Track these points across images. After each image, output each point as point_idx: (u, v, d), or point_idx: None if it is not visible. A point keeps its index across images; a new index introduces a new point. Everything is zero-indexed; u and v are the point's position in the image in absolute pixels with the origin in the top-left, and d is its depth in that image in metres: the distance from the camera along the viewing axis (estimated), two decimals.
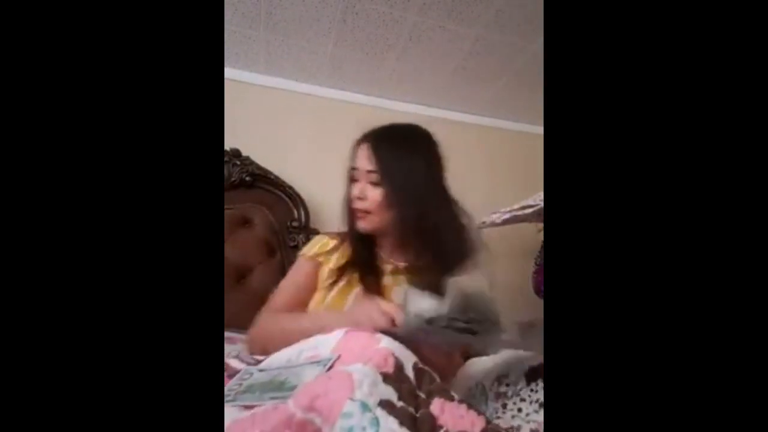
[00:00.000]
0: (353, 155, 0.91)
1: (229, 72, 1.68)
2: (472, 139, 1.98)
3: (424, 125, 1.93)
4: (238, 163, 1.48)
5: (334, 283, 0.87)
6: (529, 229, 1.65)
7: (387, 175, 0.86)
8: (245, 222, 1.43)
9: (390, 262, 0.93)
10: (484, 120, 2.01)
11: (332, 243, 0.96)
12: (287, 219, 1.47)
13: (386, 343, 0.49)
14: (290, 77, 1.76)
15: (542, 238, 1.63)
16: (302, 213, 1.50)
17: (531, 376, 0.61)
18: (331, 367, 0.45)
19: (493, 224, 1.53)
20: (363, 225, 0.89)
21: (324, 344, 0.51)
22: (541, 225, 1.56)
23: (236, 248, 1.35)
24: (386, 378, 0.42)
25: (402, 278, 0.90)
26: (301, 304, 0.89)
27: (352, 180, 0.90)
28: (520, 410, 0.56)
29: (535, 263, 1.68)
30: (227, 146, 1.49)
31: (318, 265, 0.94)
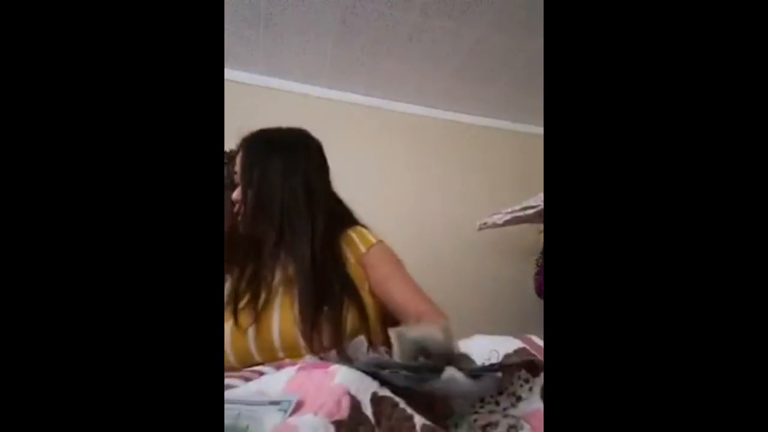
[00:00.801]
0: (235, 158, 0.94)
1: (229, 73, 1.68)
2: (473, 139, 1.98)
3: (425, 126, 1.92)
4: None
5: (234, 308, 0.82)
6: (530, 230, 1.66)
7: (251, 179, 0.86)
8: None
9: (276, 269, 0.88)
10: (485, 120, 2.01)
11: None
12: None
13: (341, 377, 0.45)
14: (290, 78, 1.76)
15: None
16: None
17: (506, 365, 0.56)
18: (292, 413, 0.42)
19: (495, 225, 1.53)
20: (243, 228, 0.88)
21: (273, 385, 0.47)
22: (542, 226, 1.56)
23: None
24: (340, 427, 0.39)
25: (284, 288, 0.85)
26: None
27: (234, 183, 0.91)
28: (497, 403, 0.55)
29: (537, 264, 1.68)
30: (227, 147, 1.49)
31: None
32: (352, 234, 0.88)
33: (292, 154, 0.90)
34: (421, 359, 0.50)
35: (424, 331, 0.52)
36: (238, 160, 0.91)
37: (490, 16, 1.42)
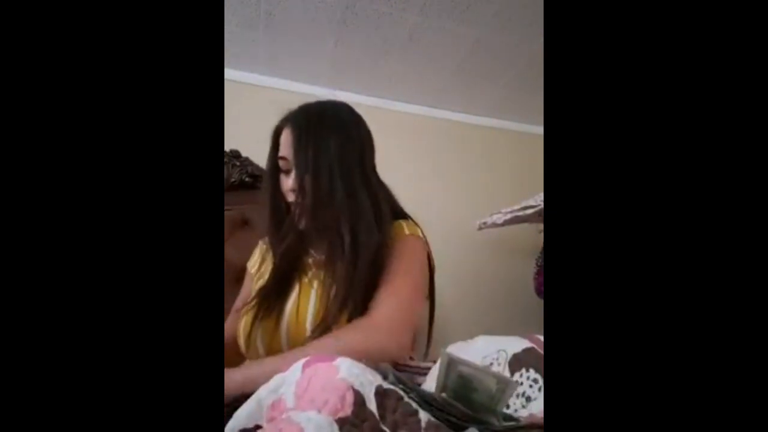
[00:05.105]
0: (277, 143, 0.83)
1: (228, 73, 1.68)
2: (473, 139, 1.97)
3: (425, 126, 1.91)
4: (238, 164, 1.48)
5: (260, 305, 0.78)
6: (530, 230, 1.65)
7: (308, 160, 0.76)
8: (245, 223, 1.43)
9: (310, 256, 0.85)
10: (485, 120, 2.01)
11: (267, 249, 0.89)
12: None
13: (345, 371, 0.44)
14: (290, 78, 1.76)
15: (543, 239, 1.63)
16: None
17: (514, 364, 0.56)
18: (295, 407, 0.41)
19: (494, 225, 1.52)
20: (303, 222, 0.79)
21: (286, 386, 0.46)
22: (541, 226, 1.56)
23: (236, 249, 1.35)
24: (344, 425, 0.39)
25: (317, 273, 0.81)
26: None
27: (283, 171, 0.81)
28: (507, 406, 0.54)
29: (536, 264, 1.68)
30: (227, 147, 1.49)
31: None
32: (403, 223, 0.84)
33: (344, 131, 0.81)
34: (447, 396, 0.46)
35: (480, 374, 0.47)
36: (288, 142, 0.79)
37: (490, 16, 1.42)
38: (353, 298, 0.74)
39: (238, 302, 0.90)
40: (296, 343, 0.74)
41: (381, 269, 0.77)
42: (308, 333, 0.74)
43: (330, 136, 0.79)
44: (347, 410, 0.40)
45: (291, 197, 0.79)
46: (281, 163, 0.81)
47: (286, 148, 0.80)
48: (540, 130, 2.06)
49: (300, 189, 0.77)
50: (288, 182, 0.80)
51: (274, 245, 0.83)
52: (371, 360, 0.62)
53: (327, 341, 0.68)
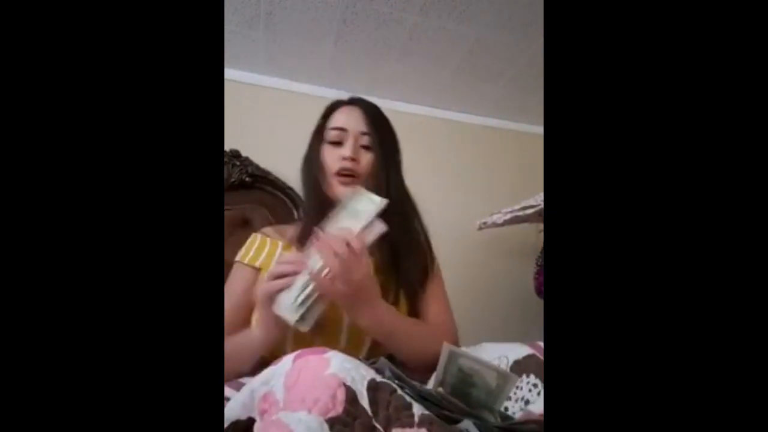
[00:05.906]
0: (329, 116, 0.90)
1: (228, 72, 1.68)
2: (473, 139, 1.97)
3: (425, 126, 1.91)
4: (238, 163, 1.48)
5: None
6: (530, 230, 1.65)
7: (384, 139, 0.86)
8: (245, 223, 1.43)
9: None
10: (485, 120, 2.01)
11: (270, 242, 0.87)
12: (287, 220, 1.48)
13: (336, 366, 0.43)
14: (290, 77, 1.76)
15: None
16: (302, 214, 1.50)
17: (515, 370, 0.56)
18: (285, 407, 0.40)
19: (494, 225, 1.52)
20: (346, 191, 0.80)
21: (276, 378, 0.45)
22: (541, 226, 1.56)
23: (236, 249, 1.35)
24: (334, 424, 0.38)
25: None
26: (243, 323, 0.76)
27: (332, 142, 0.86)
28: (506, 409, 0.54)
29: (536, 264, 1.67)
30: (227, 147, 1.49)
31: (257, 273, 0.82)
32: None
33: (396, 140, 0.94)
34: (444, 391, 0.46)
35: (480, 368, 0.47)
36: (357, 116, 0.88)
37: (490, 15, 1.42)
38: (403, 287, 0.78)
39: (234, 298, 0.81)
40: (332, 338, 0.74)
41: (425, 267, 0.85)
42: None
43: (391, 130, 0.92)
44: (338, 408, 0.39)
45: (342, 164, 0.83)
46: (333, 133, 0.86)
47: (350, 121, 0.86)
48: (540, 130, 2.05)
49: (356, 156, 0.83)
50: (341, 151, 0.83)
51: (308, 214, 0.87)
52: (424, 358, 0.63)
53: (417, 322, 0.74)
